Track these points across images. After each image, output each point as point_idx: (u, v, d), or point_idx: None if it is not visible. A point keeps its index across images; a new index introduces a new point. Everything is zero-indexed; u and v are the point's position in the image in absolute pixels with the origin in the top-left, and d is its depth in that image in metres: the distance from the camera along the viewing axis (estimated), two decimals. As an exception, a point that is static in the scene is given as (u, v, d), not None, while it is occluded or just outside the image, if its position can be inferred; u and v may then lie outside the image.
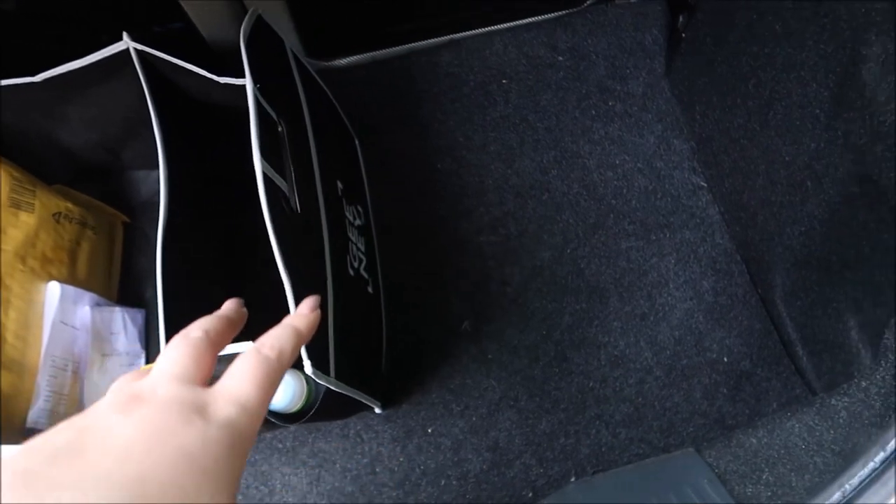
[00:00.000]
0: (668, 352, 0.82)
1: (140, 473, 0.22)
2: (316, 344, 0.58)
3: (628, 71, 0.99)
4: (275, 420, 0.63)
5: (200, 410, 0.24)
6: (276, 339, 0.30)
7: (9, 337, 0.68)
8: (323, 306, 0.65)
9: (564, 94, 0.98)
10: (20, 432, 0.67)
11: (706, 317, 0.83)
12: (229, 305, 0.33)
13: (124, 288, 0.86)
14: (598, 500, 0.60)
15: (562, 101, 0.98)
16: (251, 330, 0.35)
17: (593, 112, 0.97)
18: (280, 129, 0.62)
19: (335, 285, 0.69)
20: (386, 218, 0.90)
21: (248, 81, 0.59)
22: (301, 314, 0.34)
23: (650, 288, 0.85)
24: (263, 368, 0.27)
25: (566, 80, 0.99)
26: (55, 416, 0.70)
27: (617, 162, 0.93)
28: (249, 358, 0.28)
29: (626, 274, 0.86)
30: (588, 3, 1.00)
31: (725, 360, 0.81)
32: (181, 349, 0.27)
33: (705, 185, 0.91)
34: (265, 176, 0.58)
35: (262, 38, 0.66)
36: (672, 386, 0.81)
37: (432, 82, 0.99)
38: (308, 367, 0.57)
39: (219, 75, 0.66)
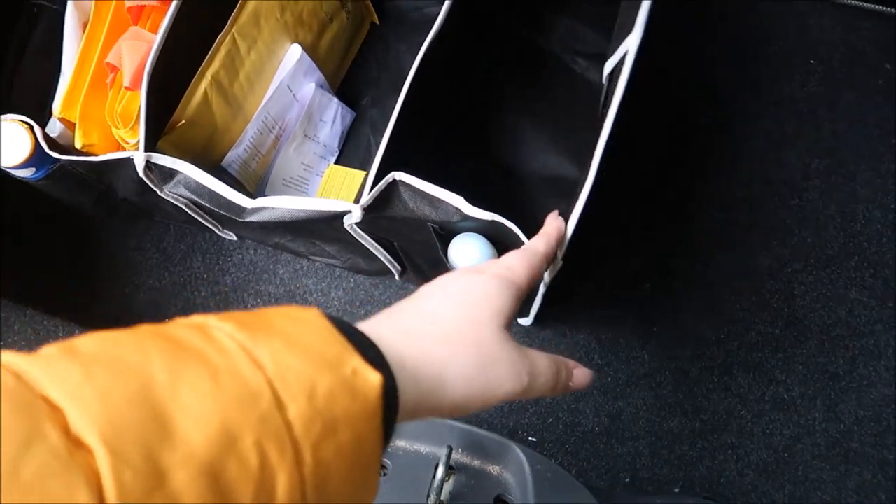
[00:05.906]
0: (841, 426, 0.72)
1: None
2: None
3: (958, 117, 0.83)
4: None
5: (480, 271, 0.37)
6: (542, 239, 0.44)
7: (241, 76, 0.67)
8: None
9: (870, 107, 0.83)
10: (213, 166, 0.68)
11: (903, 414, 0.72)
12: (559, 227, 0.46)
13: (343, 85, 0.83)
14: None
15: (864, 112, 0.83)
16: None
17: (893, 141, 0.82)
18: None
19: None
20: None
21: None
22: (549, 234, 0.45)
23: (858, 352, 0.74)
24: (528, 256, 0.40)
25: (880, 93, 0.84)
26: (246, 168, 0.70)
27: (893, 206, 0.79)
28: (520, 250, 0.41)
29: (839, 325, 0.75)
30: (962, 18, 0.83)
31: (901, 468, 0.70)
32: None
33: (981, 280, 0.76)
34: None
35: None
36: (827, 461, 0.71)
37: (740, 25, 0.86)
38: None
39: None
